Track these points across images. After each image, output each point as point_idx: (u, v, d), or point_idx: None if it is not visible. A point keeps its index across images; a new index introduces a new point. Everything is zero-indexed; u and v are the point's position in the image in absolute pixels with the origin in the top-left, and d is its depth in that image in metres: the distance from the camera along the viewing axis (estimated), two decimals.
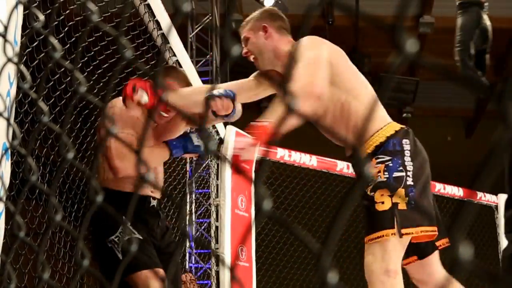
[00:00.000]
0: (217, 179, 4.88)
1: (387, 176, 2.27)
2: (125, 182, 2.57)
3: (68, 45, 2.74)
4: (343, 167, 5.68)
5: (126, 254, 2.47)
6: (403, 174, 2.27)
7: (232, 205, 4.79)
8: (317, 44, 2.44)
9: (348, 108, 2.42)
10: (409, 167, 2.29)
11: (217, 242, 4.76)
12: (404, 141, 2.35)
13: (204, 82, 4.79)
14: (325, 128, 2.55)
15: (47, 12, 2.24)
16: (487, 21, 1.35)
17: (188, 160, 4.93)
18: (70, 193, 3.25)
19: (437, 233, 2.30)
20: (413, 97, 9.70)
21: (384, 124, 2.40)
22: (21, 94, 2.24)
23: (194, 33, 7.10)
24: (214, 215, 4.85)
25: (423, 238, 2.32)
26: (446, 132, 11.27)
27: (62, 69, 2.62)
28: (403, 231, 2.20)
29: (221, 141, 4.81)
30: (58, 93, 2.85)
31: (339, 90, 2.43)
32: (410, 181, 2.26)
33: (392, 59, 0.49)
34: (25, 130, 2.46)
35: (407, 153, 2.32)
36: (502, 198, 6.79)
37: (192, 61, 4.93)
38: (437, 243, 2.43)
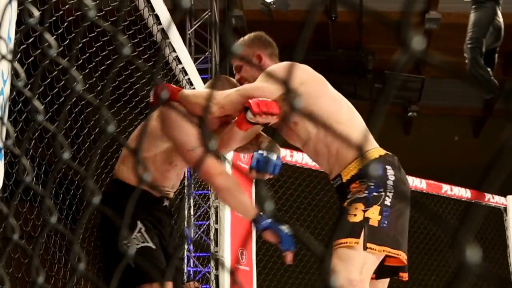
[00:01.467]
0: None
1: (366, 193, 2.35)
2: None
3: (67, 41, 2.74)
4: None
5: (137, 262, 2.48)
6: (383, 194, 2.35)
7: None
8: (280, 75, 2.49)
9: (329, 134, 2.50)
10: (390, 189, 2.36)
11: (216, 245, 4.76)
12: (387, 166, 2.42)
13: (203, 80, 4.79)
14: (310, 154, 2.66)
15: (44, 7, 2.24)
16: (500, 19, 1.35)
17: None
18: (67, 194, 3.25)
19: (401, 258, 2.37)
20: (419, 96, 9.70)
21: (369, 148, 2.46)
22: (15, 92, 2.24)
23: (192, 29, 7.10)
24: (213, 217, 4.85)
25: (393, 261, 2.41)
26: (453, 131, 11.27)
27: (60, 66, 2.62)
28: (368, 244, 2.27)
29: None
30: (55, 90, 2.85)
31: (319, 117, 2.49)
32: (388, 202, 2.34)
33: (397, 57, 0.50)
34: (19, 129, 2.46)
35: (391, 177, 2.40)
36: (511, 200, 6.79)
37: (191, 58, 4.93)
38: (401, 274, 2.49)
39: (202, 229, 5.11)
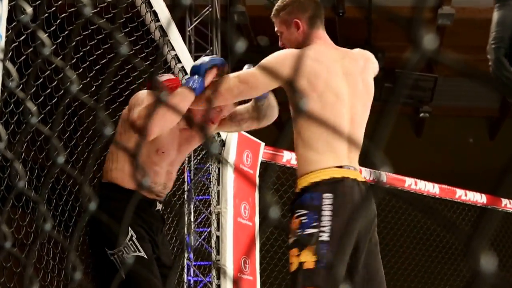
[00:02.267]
0: (218, 184, 4.89)
1: (299, 233, 2.28)
2: (129, 175, 2.59)
3: (60, 38, 2.74)
4: None
5: (129, 273, 2.49)
6: (317, 230, 2.25)
7: (235, 213, 4.80)
8: (274, 67, 2.48)
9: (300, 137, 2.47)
10: (326, 222, 2.26)
11: (218, 253, 4.76)
12: (326, 195, 2.31)
13: None
14: None
15: (36, 3, 2.25)
16: None
17: (186, 168, 4.93)
18: (60, 200, 3.25)
19: None
20: (431, 95, 9.68)
21: (316, 168, 2.37)
22: (6, 93, 2.25)
23: (192, 26, 7.11)
24: (215, 224, 4.86)
25: None
26: (468, 133, 11.25)
27: (53, 65, 2.63)
28: None
29: (222, 143, 4.82)
30: (48, 91, 2.86)
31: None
32: (324, 237, 2.24)
33: (408, 55, 0.50)
34: (11, 131, 2.46)
35: (326, 207, 2.28)
36: None
37: (191, 56, 4.93)
38: None
39: (203, 237, 5.11)
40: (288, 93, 2.33)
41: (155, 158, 2.64)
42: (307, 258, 2.23)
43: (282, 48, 2.65)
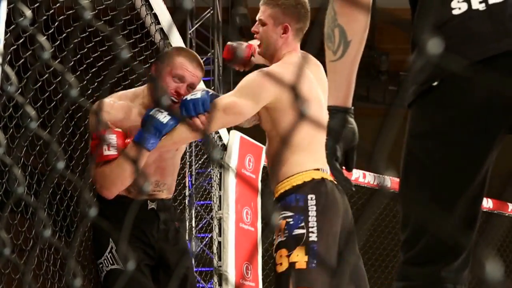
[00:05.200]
0: (220, 189, 4.88)
1: (287, 234, 2.35)
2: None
3: (58, 41, 2.74)
4: (359, 176, 5.69)
5: (106, 285, 2.53)
6: (304, 231, 2.33)
7: (236, 218, 4.79)
8: (257, 85, 2.51)
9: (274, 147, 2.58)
10: (312, 223, 2.34)
11: (220, 259, 4.76)
12: (310, 196, 2.40)
13: (205, 82, 4.80)
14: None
15: (35, 5, 2.25)
16: (353, 123, 1.59)
17: (187, 172, 4.93)
18: (61, 205, 3.25)
19: None
20: None
21: (298, 171, 2.47)
22: (5, 97, 2.25)
23: (193, 28, 7.11)
24: (216, 229, 4.85)
25: None
26: None
27: (52, 68, 2.64)
28: None
29: (224, 147, 4.82)
30: (47, 94, 2.86)
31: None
32: (313, 237, 2.33)
33: (412, 59, 0.50)
34: (10, 136, 2.46)
35: (312, 208, 2.38)
36: None
37: None
38: None
39: (204, 242, 5.11)
40: (272, 106, 2.47)
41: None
42: (299, 258, 2.29)
43: (253, 35, 2.70)
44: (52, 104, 2.87)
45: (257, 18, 2.68)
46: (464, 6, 1.37)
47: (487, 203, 6.50)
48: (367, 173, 5.72)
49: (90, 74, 3.26)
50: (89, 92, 3.24)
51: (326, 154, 1.56)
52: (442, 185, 1.43)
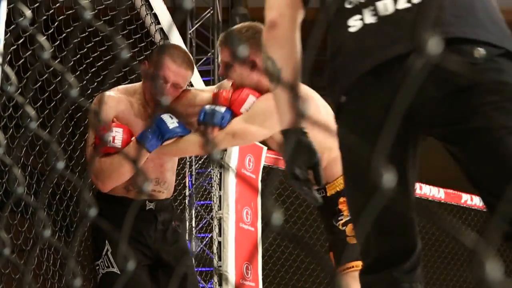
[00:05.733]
0: (220, 189, 4.88)
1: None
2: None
3: (58, 41, 2.74)
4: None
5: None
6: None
7: (237, 218, 4.79)
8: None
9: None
10: None
11: (220, 259, 4.76)
12: None
13: (205, 82, 4.80)
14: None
15: (35, 5, 2.25)
16: (307, 141, 1.65)
17: (187, 172, 4.93)
18: (61, 205, 3.25)
19: None
20: None
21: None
22: (4, 97, 2.25)
23: (193, 28, 7.11)
24: (216, 229, 4.85)
25: None
26: None
27: (52, 68, 2.64)
28: None
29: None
30: (46, 94, 2.86)
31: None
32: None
33: (411, 60, 0.50)
34: (9, 136, 2.46)
35: None
36: None
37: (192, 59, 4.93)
38: None
39: (204, 242, 5.11)
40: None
41: None
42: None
43: (223, 77, 2.71)
44: (52, 104, 2.87)
45: (219, 62, 2.68)
46: (358, 23, 1.46)
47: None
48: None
49: (90, 74, 3.26)
50: (89, 92, 3.24)
51: (288, 176, 1.65)
52: (363, 197, 1.50)
